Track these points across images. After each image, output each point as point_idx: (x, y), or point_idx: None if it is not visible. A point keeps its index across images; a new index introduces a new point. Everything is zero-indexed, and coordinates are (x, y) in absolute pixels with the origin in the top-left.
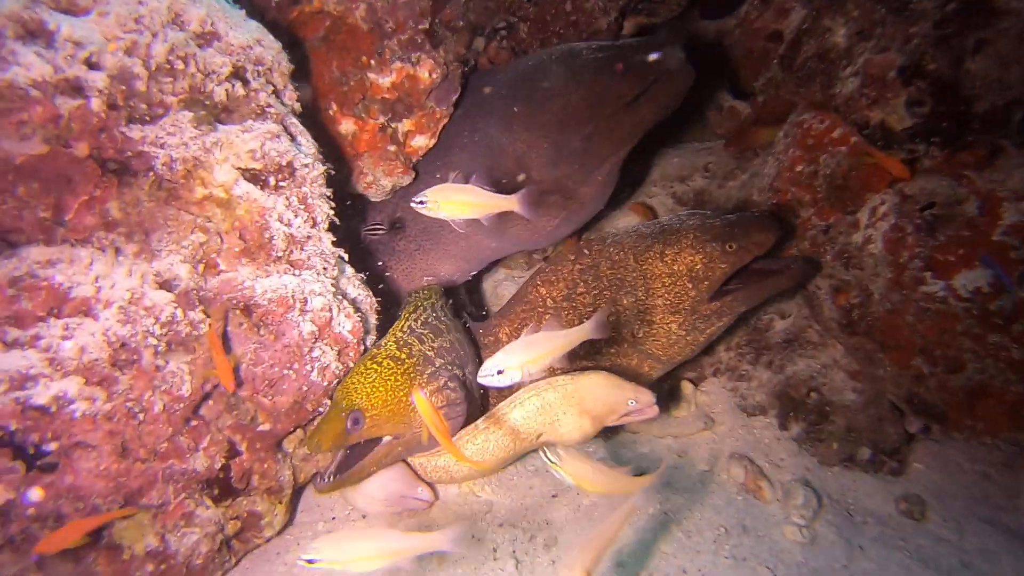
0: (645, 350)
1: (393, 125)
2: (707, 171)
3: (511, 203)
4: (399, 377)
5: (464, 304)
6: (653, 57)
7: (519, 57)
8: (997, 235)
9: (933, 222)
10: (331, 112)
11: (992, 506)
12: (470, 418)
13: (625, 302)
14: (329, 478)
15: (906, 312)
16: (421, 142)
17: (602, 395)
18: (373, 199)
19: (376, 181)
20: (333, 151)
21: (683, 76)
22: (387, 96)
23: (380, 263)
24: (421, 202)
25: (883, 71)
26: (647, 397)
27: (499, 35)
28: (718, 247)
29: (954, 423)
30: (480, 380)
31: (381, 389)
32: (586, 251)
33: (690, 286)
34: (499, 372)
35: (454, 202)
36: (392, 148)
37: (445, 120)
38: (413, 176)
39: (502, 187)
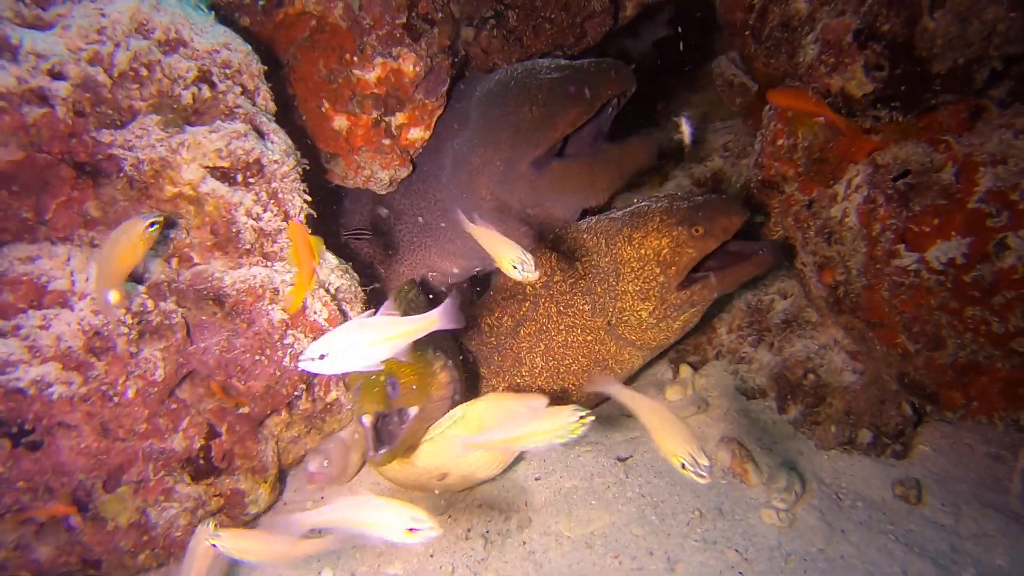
0: (621, 337)
1: (387, 119)
2: (726, 150)
3: None
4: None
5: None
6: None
7: (513, 46)
8: (973, 202)
9: (907, 191)
10: (323, 109)
11: (999, 489)
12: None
13: (599, 289)
14: (379, 450)
15: (881, 288)
16: (416, 134)
17: (500, 418)
18: (379, 191)
19: (374, 174)
20: (328, 147)
21: (641, 149)
22: (376, 91)
23: (383, 258)
24: None
25: (840, 36)
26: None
27: (488, 24)
28: (684, 231)
29: (946, 402)
30: (300, 366)
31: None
32: (563, 239)
33: (658, 271)
34: (321, 357)
35: None
36: (387, 142)
37: (439, 111)
38: (411, 168)
39: (458, 198)
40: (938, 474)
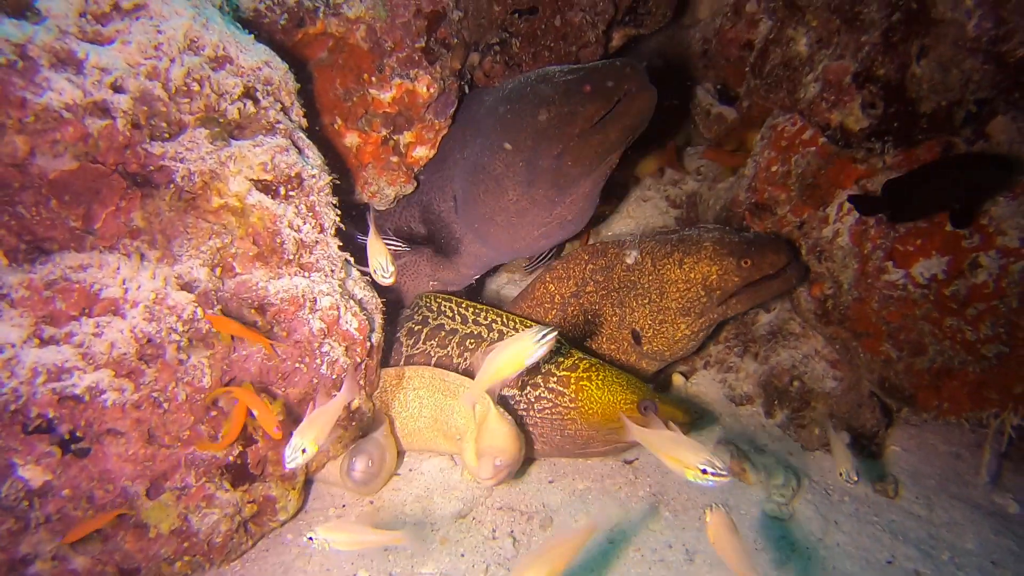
0: (646, 349)
1: (395, 137)
2: (699, 174)
3: None
4: None
5: None
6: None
7: (513, 71)
8: (950, 226)
9: None
10: (335, 126)
11: (961, 483)
12: None
13: (634, 304)
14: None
15: (871, 300)
16: (422, 152)
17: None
18: (378, 207)
19: (380, 190)
20: (338, 163)
21: (645, 97)
22: (388, 110)
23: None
24: None
25: (840, 77)
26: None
27: (493, 50)
28: (734, 261)
29: (922, 404)
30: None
31: None
32: (602, 253)
33: (703, 293)
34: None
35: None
36: (395, 159)
37: (444, 131)
38: (415, 185)
39: (482, 202)
40: (909, 471)
